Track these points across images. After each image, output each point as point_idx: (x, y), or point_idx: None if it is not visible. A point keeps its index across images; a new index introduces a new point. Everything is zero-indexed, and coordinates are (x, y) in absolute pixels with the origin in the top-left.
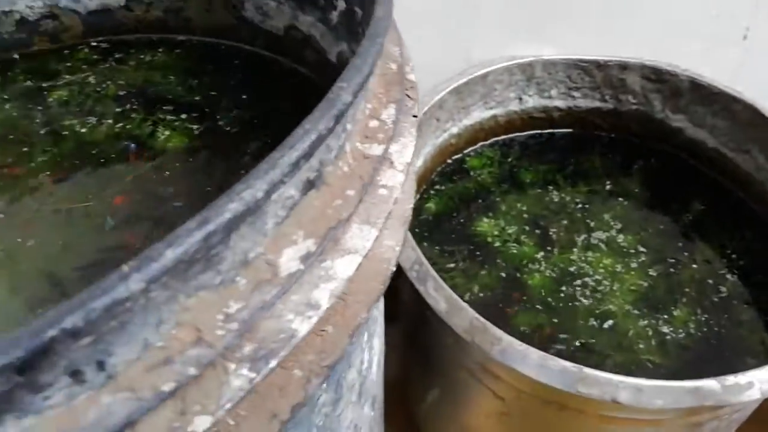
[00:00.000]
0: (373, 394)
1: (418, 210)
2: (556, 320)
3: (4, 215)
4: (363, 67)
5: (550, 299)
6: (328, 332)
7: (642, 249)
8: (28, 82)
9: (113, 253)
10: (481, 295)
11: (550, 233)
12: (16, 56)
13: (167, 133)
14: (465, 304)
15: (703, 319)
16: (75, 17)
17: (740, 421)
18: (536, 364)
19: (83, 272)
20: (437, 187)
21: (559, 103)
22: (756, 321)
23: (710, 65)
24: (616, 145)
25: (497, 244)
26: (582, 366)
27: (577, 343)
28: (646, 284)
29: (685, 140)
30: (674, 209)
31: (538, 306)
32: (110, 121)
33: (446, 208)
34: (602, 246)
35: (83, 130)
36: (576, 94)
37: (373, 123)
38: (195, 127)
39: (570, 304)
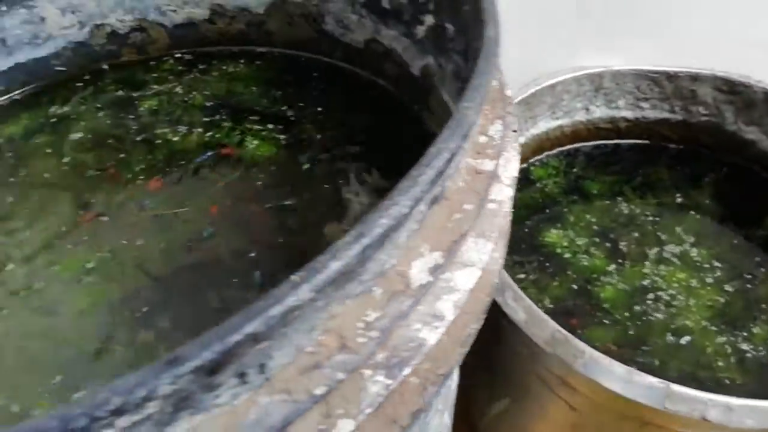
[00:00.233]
0: (451, 402)
1: None
2: (630, 334)
3: (109, 218)
4: (482, 86)
5: (623, 313)
6: (442, 342)
7: (717, 264)
8: (119, 92)
9: (210, 261)
10: (552, 306)
11: (621, 246)
12: (106, 67)
13: (255, 142)
14: (546, 315)
15: None
16: (162, 30)
17: None
18: (622, 378)
19: (184, 276)
20: None
21: (627, 114)
22: None
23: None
24: (685, 156)
25: (567, 255)
26: (669, 382)
27: (653, 359)
28: (722, 300)
29: (758, 153)
30: (748, 223)
31: (611, 320)
32: (200, 129)
33: (514, 218)
34: (675, 260)
35: (175, 139)
36: (644, 104)
37: (483, 139)
38: (282, 137)
39: (644, 318)
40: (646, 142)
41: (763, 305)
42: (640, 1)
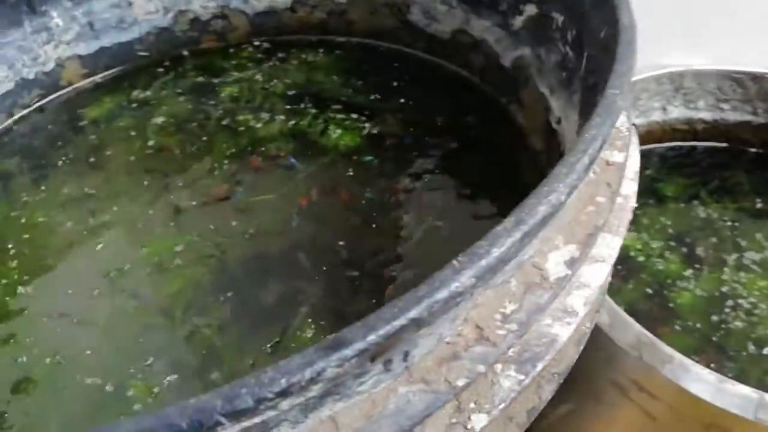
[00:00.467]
0: None
1: None
2: (709, 342)
3: (195, 202)
4: (626, 73)
5: (701, 320)
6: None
7: None
8: (199, 78)
9: (299, 248)
10: (628, 311)
11: (697, 251)
12: (186, 53)
13: (339, 131)
14: (631, 319)
15: None
16: (243, 17)
17: None
18: (712, 386)
19: (269, 263)
20: None
21: (705, 115)
22: None
23: None
24: (765, 161)
25: (641, 258)
26: (763, 392)
27: (733, 368)
28: None
29: None
30: None
31: (688, 326)
32: (282, 117)
33: None
34: (756, 267)
35: (258, 125)
36: (725, 106)
37: (612, 131)
38: (365, 126)
39: (723, 326)
40: (724, 144)
41: None
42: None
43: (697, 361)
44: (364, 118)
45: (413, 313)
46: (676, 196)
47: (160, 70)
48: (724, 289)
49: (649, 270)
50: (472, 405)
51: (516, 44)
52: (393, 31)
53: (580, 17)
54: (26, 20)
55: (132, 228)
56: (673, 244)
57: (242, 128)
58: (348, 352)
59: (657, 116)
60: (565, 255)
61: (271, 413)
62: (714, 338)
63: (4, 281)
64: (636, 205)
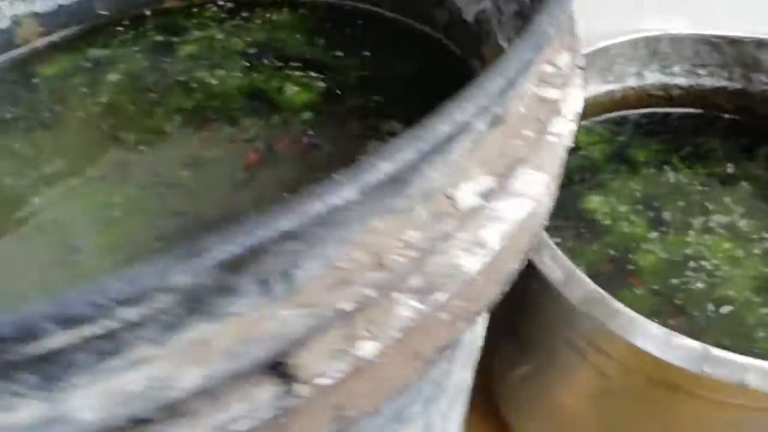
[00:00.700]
0: (474, 361)
1: None
2: (668, 302)
3: (140, 156)
4: (562, 2)
5: (663, 281)
6: (482, 274)
7: (766, 235)
8: (159, 37)
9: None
10: (588, 272)
11: (664, 214)
12: (148, 12)
13: (295, 88)
14: (583, 275)
15: None
16: None
17: None
18: (659, 340)
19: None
20: None
21: (681, 81)
22: None
23: None
24: (740, 127)
25: (607, 222)
26: (709, 345)
27: (690, 327)
28: None
29: None
30: None
31: (650, 287)
32: (239, 74)
33: None
34: (721, 230)
35: (213, 82)
36: (701, 71)
37: (549, 69)
38: (322, 84)
39: (684, 287)
40: (700, 111)
41: None
42: None
43: (655, 321)
44: (323, 76)
45: (282, 225)
46: (647, 162)
47: (120, 29)
48: (688, 251)
49: (615, 233)
50: (364, 332)
51: None
52: None
53: None
54: None
55: (74, 182)
56: (640, 207)
57: (197, 85)
58: (202, 261)
59: (632, 82)
60: (481, 186)
61: (111, 324)
62: (675, 299)
63: None
64: (572, 145)
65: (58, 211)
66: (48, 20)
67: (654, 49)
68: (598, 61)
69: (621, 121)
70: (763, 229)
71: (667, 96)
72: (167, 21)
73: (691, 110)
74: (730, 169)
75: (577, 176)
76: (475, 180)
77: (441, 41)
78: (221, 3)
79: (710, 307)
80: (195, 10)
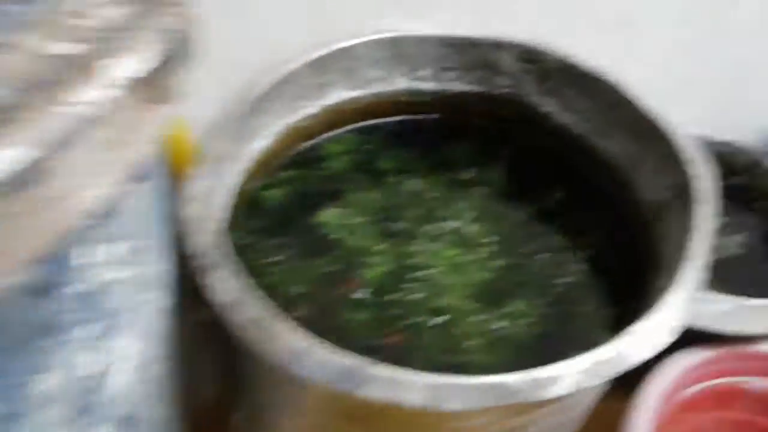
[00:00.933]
0: (151, 331)
1: (257, 198)
2: (385, 316)
3: None
4: None
5: (383, 293)
6: None
7: (493, 239)
8: None
9: None
10: (312, 289)
11: (397, 225)
12: None
13: None
14: (254, 297)
15: (544, 312)
16: None
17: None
18: (316, 362)
19: None
20: (285, 173)
21: (431, 86)
22: (596, 314)
23: (594, 49)
24: (486, 132)
25: (337, 235)
26: (369, 362)
27: (400, 341)
28: (490, 276)
29: (554, 125)
30: (535, 198)
31: (370, 301)
32: None
33: (290, 197)
34: (449, 237)
35: None
36: (448, 75)
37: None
38: None
39: (404, 298)
40: (450, 116)
41: (533, 280)
42: None
43: (366, 337)
44: None
45: None
46: (392, 171)
47: None
48: (413, 261)
49: (343, 247)
50: None
51: None
52: None
53: None
54: None
55: None
56: (374, 219)
57: None
58: None
59: (380, 87)
60: None
61: None
62: (390, 311)
63: None
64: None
65: None
66: None
67: (399, 51)
68: (339, 63)
69: (371, 130)
70: (490, 234)
71: (417, 102)
72: None
73: (441, 116)
74: (469, 174)
75: (318, 189)
76: None
77: None
78: None
79: (426, 318)
80: None
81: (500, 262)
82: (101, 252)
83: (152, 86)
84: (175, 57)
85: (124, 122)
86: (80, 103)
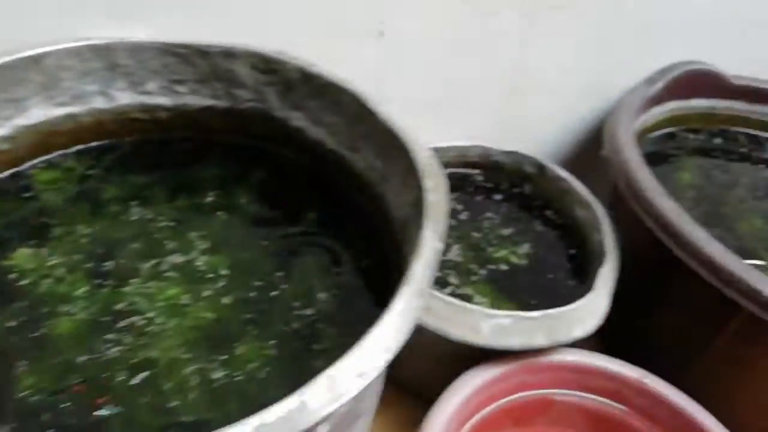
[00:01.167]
0: None
1: None
2: (76, 379)
3: None
4: None
5: (77, 350)
6: None
7: (226, 272)
8: None
9: None
10: None
11: (109, 263)
12: None
13: None
14: None
15: (275, 354)
16: None
17: None
18: None
19: None
20: None
21: (163, 101)
22: (333, 351)
23: (348, 60)
24: (235, 150)
25: (27, 281)
26: None
27: (100, 412)
28: (215, 316)
29: (306, 141)
30: (286, 220)
31: (58, 361)
32: None
33: None
34: (172, 273)
35: None
36: (181, 89)
37: None
38: None
39: (104, 353)
40: (193, 134)
41: (268, 315)
42: None
43: (51, 406)
44: None
45: None
46: (118, 199)
47: None
48: (121, 306)
49: (32, 295)
50: None
51: None
52: None
53: None
54: None
55: None
56: (81, 257)
57: None
58: None
59: (100, 103)
60: None
61: None
62: (85, 371)
63: None
64: None
65: None
66: None
67: (112, 61)
68: (33, 75)
69: (99, 154)
70: (224, 266)
71: (152, 119)
72: None
73: (183, 135)
74: (210, 198)
75: (19, 226)
76: None
77: None
78: None
79: (124, 377)
80: None
81: (228, 299)
82: None
83: None
84: None
85: None
86: None
